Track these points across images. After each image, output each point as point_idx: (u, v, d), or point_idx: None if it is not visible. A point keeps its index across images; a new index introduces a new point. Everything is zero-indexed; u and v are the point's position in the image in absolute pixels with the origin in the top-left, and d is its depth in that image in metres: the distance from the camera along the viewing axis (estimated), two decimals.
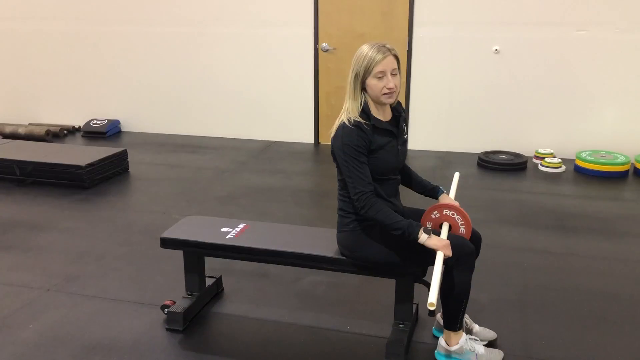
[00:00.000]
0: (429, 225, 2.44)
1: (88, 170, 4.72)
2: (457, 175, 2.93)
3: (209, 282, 2.94)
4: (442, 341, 2.43)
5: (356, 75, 2.29)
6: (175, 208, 4.29)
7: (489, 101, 5.64)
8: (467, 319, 2.58)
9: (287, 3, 5.89)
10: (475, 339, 2.46)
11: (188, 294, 2.82)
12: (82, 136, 6.58)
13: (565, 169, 5.21)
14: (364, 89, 2.31)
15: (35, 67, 6.88)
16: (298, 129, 6.21)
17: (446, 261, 2.25)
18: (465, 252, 2.28)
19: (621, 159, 5.08)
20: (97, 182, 4.83)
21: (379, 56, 2.22)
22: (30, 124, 6.80)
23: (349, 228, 2.40)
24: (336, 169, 2.40)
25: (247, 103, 6.31)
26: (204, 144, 6.20)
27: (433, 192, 2.58)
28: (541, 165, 5.25)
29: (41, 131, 6.32)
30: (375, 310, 2.84)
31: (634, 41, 5.16)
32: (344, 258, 2.46)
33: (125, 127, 6.81)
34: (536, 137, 5.61)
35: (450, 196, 2.61)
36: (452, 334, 2.39)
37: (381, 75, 2.24)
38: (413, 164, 5.33)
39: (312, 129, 6.16)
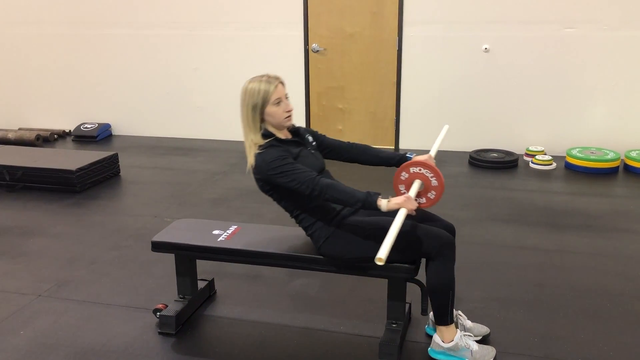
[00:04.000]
0: (401, 188, 2.46)
1: (79, 174, 4.69)
2: (446, 127, 2.91)
3: (201, 285, 2.93)
4: (436, 338, 2.43)
5: (254, 108, 2.40)
6: (167, 211, 4.27)
7: (480, 100, 5.65)
8: (460, 314, 2.59)
9: (277, 5, 5.89)
10: (470, 336, 2.47)
11: (180, 298, 2.81)
12: (73, 140, 6.55)
13: (556, 166, 5.24)
14: (262, 120, 2.42)
15: (25, 71, 6.84)
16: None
17: (428, 252, 2.29)
18: (445, 241, 2.31)
19: (611, 155, 5.11)
20: (88, 186, 4.80)
21: (272, 87, 2.38)
22: (20, 129, 6.76)
23: (325, 238, 2.41)
24: (275, 201, 2.48)
25: (238, 105, 6.28)
26: (195, 147, 6.18)
27: (403, 160, 2.57)
28: (532, 162, 5.27)
29: (31, 136, 6.29)
30: (368, 311, 2.84)
31: (622, 38, 5.19)
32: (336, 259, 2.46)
33: (116, 130, 6.78)
34: (527, 135, 5.63)
35: (431, 152, 2.60)
36: (444, 329, 2.40)
37: (278, 101, 2.39)
38: None
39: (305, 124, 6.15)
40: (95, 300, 2.99)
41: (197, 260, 2.85)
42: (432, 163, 2.42)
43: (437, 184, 2.39)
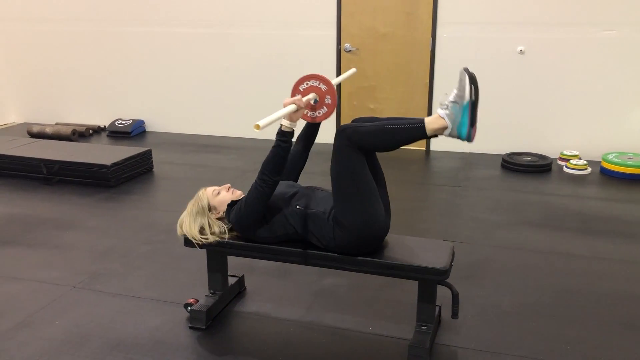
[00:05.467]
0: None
1: (113, 169, 4.78)
2: (352, 70, 3.17)
3: (231, 281, 2.96)
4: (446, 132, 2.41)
5: (198, 214, 2.63)
6: None
7: (514, 102, 5.58)
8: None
9: (310, 4, 5.90)
10: (444, 105, 2.47)
11: (211, 293, 2.84)
12: (108, 136, 6.67)
13: (591, 171, 5.13)
14: (217, 219, 2.65)
15: (63, 68, 7.00)
16: (320, 129, 6.18)
17: (359, 147, 2.49)
18: (345, 133, 2.51)
19: None
20: (122, 181, 4.89)
21: (204, 200, 2.62)
22: (57, 124, 6.92)
23: (332, 239, 2.46)
24: (284, 237, 2.57)
25: (270, 103, 6.31)
26: (226, 144, 6.24)
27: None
28: (566, 167, 5.18)
29: (67, 131, 6.42)
30: (398, 312, 2.83)
31: None
32: (367, 259, 2.46)
33: (150, 127, 6.88)
34: (561, 139, 5.53)
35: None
36: (429, 126, 2.40)
37: (217, 193, 2.65)
38: (436, 165, 5.34)
39: (334, 129, 6.14)
40: (128, 293, 3.05)
41: (228, 256, 2.88)
42: (315, 74, 2.61)
43: (326, 88, 2.59)
